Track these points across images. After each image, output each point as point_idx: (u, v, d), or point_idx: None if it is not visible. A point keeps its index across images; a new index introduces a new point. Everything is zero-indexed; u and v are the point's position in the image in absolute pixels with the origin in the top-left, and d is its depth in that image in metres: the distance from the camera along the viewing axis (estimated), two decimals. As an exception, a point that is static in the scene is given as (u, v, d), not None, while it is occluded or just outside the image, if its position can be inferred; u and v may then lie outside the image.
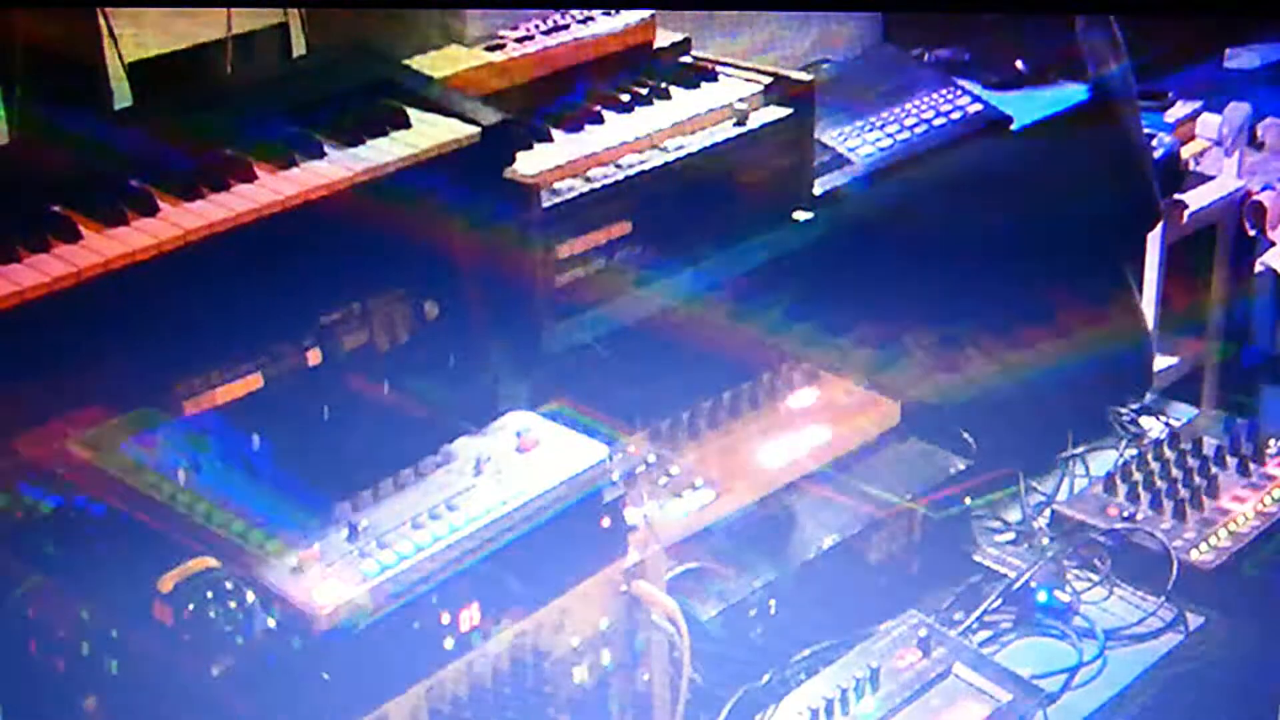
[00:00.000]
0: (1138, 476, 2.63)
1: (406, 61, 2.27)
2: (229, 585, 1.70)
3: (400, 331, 2.04)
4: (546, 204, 2.14)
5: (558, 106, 2.34)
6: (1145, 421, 2.93)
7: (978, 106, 2.74)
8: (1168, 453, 2.70)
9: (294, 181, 1.94)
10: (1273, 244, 3.57)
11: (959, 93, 2.76)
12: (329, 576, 1.72)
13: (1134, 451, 2.77)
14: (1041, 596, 2.42)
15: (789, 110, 2.40)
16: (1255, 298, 3.70)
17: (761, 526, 2.27)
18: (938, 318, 2.65)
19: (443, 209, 2.07)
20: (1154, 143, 3.18)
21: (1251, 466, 2.66)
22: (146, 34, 2.39)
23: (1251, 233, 3.56)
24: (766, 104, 2.41)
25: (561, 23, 2.47)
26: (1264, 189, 3.58)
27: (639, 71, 2.46)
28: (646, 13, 2.51)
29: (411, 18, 2.50)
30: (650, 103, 2.36)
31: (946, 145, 2.65)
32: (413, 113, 2.09)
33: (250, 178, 1.93)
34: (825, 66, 2.89)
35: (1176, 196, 3.36)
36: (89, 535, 1.83)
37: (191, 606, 1.68)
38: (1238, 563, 2.47)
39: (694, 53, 2.56)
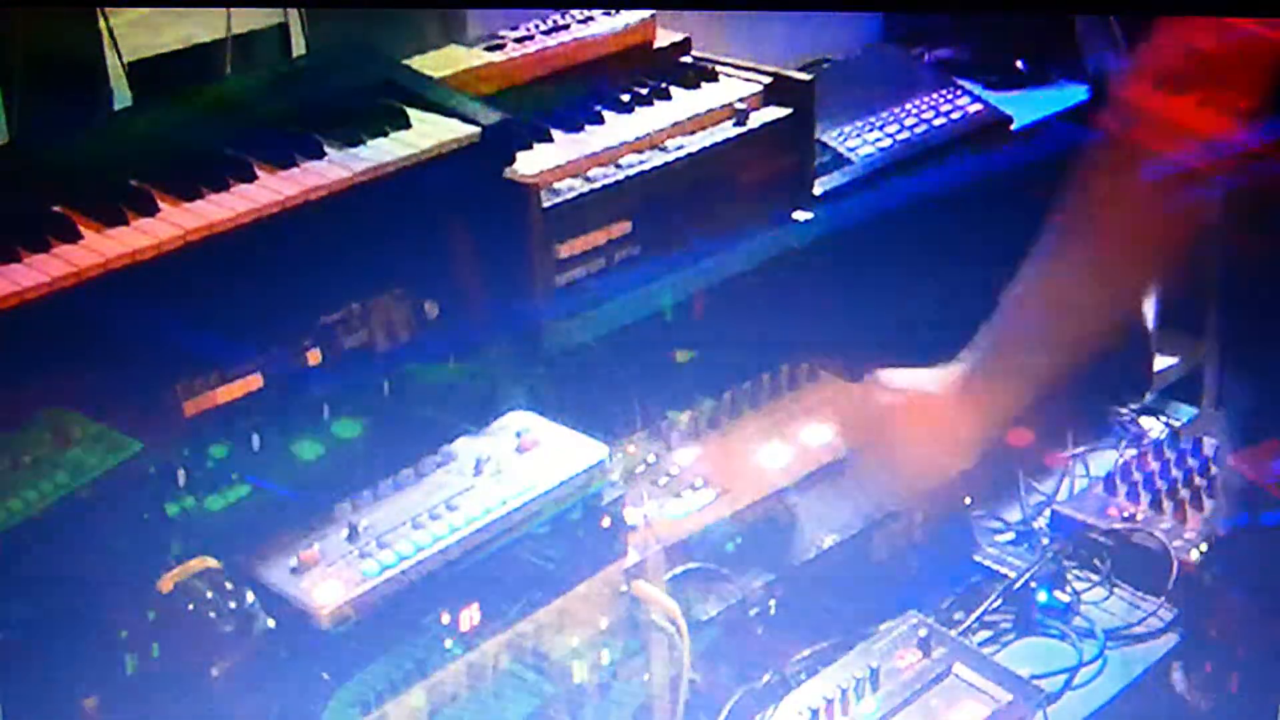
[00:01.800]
0: (1138, 476, 2.63)
1: (406, 61, 2.27)
2: (229, 585, 1.70)
3: (400, 331, 2.04)
4: (546, 204, 2.14)
5: (558, 106, 2.34)
6: (1145, 421, 2.93)
7: (978, 106, 2.74)
8: (1168, 453, 2.70)
9: (294, 181, 1.94)
10: (1273, 244, 3.57)
11: (959, 93, 2.76)
12: (329, 576, 1.72)
13: (1134, 451, 2.77)
14: (1041, 596, 2.42)
15: (789, 110, 2.41)
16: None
17: (761, 526, 2.27)
18: (937, 317, 2.65)
19: (443, 209, 2.07)
20: (1154, 143, 3.18)
21: (1251, 466, 2.66)
22: (146, 34, 2.38)
23: (1251, 233, 3.56)
24: (766, 104, 2.41)
25: (561, 23, 2.47)
26: (1264, 189, 3.58)
27: (639, 71, 2.46)
28: (646, 13, 2.51)
29: (411, 18, 2.50)
30: (650, 103, 2.36)
31: (946, 145, 2.66)
32: (413, 113, 2.09)
33: (250, 178, 1.93)
34: (825, 66, 2.89)
35: (1176, 196, 3.36)
36: (87, 535, 1.83)
37: (191, 606, 1.68)
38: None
39: (694, 52, 2.57)
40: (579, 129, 2.28)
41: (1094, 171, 1.70)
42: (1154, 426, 2.92)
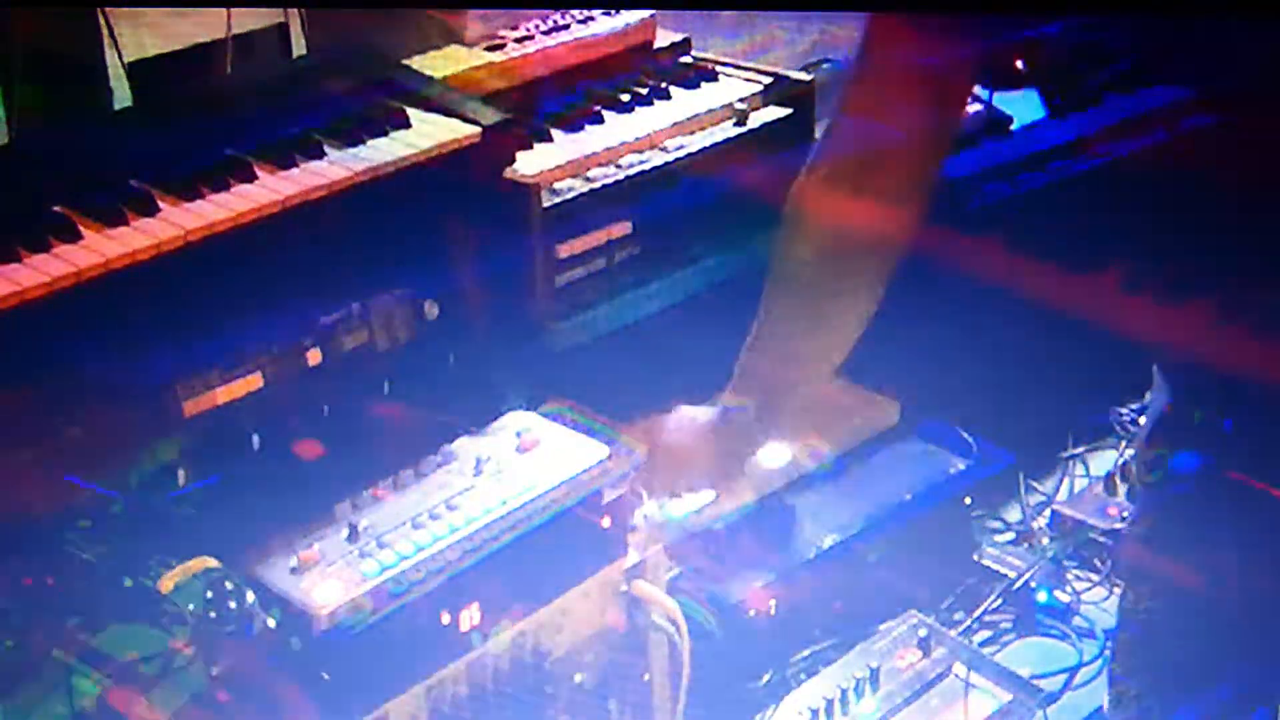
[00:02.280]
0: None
1: (406, 61, 2.27)
2: (229, 585, 1.70)
3: (400, 331, 2.04)
4: (546, 204, 2.14)
5: (558, 106, 2.34)
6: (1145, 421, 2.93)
7: (977, 106, 2.74)
8: (1168, 453, 2.69)
9: (294, 181, 1.94)
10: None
11: (959, 93, 2.75)
12: (329, 576, 1.72)
13: (1134, 451, 2.77)
14: (1041, 596, 2.42)
15: (789, 110, 2.41)
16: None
17: (761, 526, 2.27)
18: (936, 317, 2.65)
19: (443, 209, 2.07)
20: (1154, 143, 3.18)
21: (1251, 466, 2.66)
22: (146, 34, 2.39)
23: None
24: (766, 104, 2.41)
25: (561, 23, 2.47)
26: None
27: (639, 71, 2.46)
28: (646, 13, 2.52)
29: (411, 18, 2.50)
30: (650, 103, 2.36)
31: (946, 145, 2.65)
32: (413, 113, 2.09)
33: (250, 178, 1.93)
34: (825, 66, 2.89)
35: (1176, 196, 3.36)
36: (88, 534, 1.83)
37: (191, 606, 1.68)
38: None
39: (694, 53, 2.57)
40: (579, 129, 2.28)
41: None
42: (1154, 426, 2.91)
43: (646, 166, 2.25)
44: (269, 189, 1.92)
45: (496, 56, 2.36)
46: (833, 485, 2.38)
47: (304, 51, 2.53)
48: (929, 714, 2.15)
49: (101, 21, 2.30)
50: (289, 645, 1.69)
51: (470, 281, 2.11)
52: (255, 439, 1.92)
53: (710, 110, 2.36)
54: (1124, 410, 2.94)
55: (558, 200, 2.15)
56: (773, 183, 2.42)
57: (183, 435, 1.86)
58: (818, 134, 2.49)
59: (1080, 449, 2.84)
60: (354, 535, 1.78)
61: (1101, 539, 2.52)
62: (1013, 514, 2.68)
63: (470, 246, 2.10)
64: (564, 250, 2.17)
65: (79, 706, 1.69)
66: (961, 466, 2.47)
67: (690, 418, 1.99)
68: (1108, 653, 2.34)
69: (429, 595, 1.77)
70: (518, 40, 2.42)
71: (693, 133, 2.33)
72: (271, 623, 1.69)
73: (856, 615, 2.31)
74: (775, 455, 2.36)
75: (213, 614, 1.67)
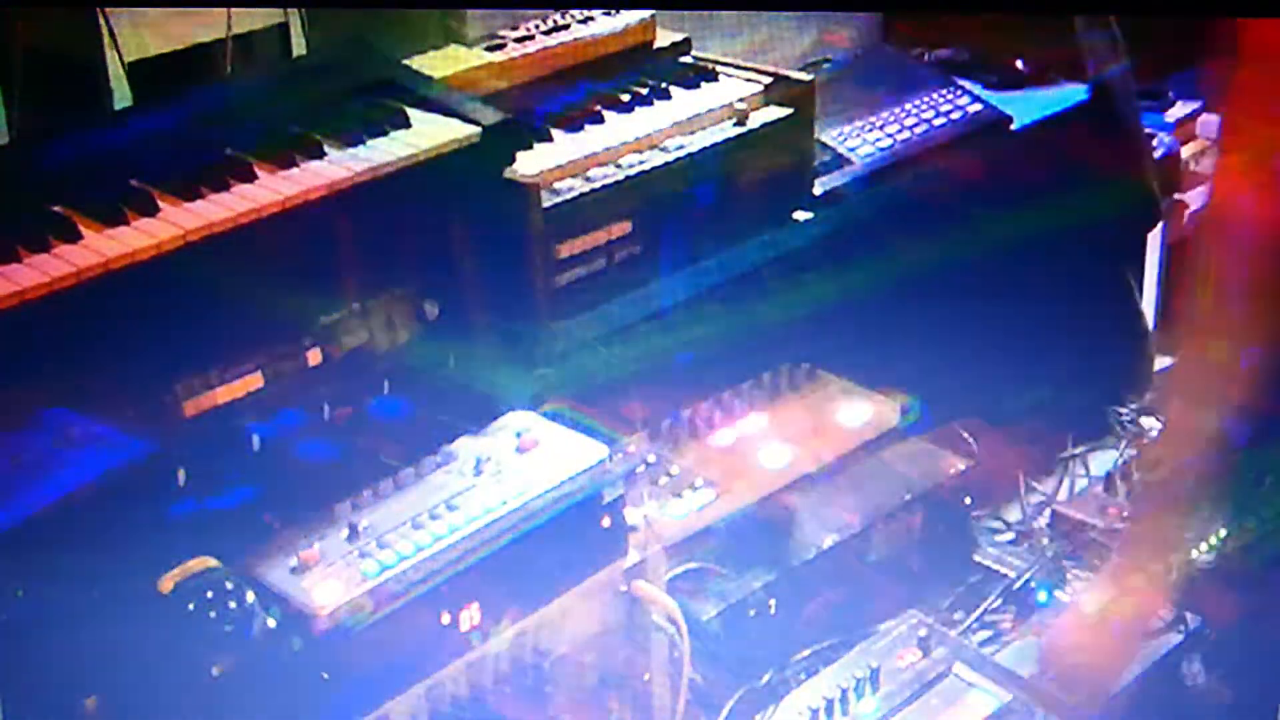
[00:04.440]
0: (1138, 476, 2.63)
1: (406, 61, 2.27)
2: (229, 585, 1.70)
3: (400, 331, 2.04)
4: (546, 204, 2.14)
5: (558, 106, 2.34)
6: (1145, 421, 2.93)
7: (978, 106, 2.74)
8: (1168, 453, 2.69)
9: (294, 181, 1.94)
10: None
11: (959, 93, 2.76)
12: (329, 576, 1.73)
13: (1134, 451, 2.77)
14: (1041, 596, 2.42)
15: (789, 110, 2.41)
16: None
17: (761, 526, 2.27)
18: (937, 316, 2.65)
19: (443, 209, 2.08)
20: (1154, 143, 3.18)
21: (1251, 466, 2.66)
22: (146, 34, 2.39)
23: (1251, 232, 3.55)
24: (766, 104, 2.41)
25: (561, 23, 2.47)
26: (1263, 189, 3.57)
27: (639, 71, 2.46)
28: (646, 13, 2.52)
29: (411, 18, 2.50)
30: (650, 103, 2.36)
31: (946, 145, 2.65)
32: (413, 113, 2.09)
33: (250, 178, 1.93)
34: (825, 66, 2.89)
35: (1176, 196, 3.36)
36: (88, 535, 1.83)
37: (191, 606, 1.68)
38: (1237, 563, 2.47)
39: (694, 53, 2.57)
40: (579, 129, 2.28)
41: None
42: (1154, 426, 2.91)
43: (646, 166, 2.25)
44: (269, 189, 1.92)
45: (496, 56, 2.36)
46: (833, 485, 2.38)
47: (304, 51, 2.53)
48: (929, 714, 2.15)
49: (101, 21, 2.30)
50: (289, 645, 1.69)
51: (470, 281, 2.11)
52: (255, 439, 1.92)
53: (710, 110, 2.36)
54: (1124, 410, 2.94)
55: (558, 200, 2.15)
56: (773, 183, 2.43)
57: (183, 435, 1.86)
58: (818, 134, 2.50)
59: (1080, 449, 2.84)
60: (354, 535, 1.78)
61: (1101, 539, 2.52)
62: (1013, 514, 2.68)
63: (470, 246, 2.10)
64: (564, 250, 2.17)
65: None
66: (961, 466, 2.47)
67: None
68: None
69: (429, 595, 1.77)
70: (518, 40, 2.42)
71: (693, 133, 2.33)
72: (271, 623, 1.69)
73: (856, 615, 2.31)
74: (775, 455, 2.36)
75: (213, 614, 1.67)
